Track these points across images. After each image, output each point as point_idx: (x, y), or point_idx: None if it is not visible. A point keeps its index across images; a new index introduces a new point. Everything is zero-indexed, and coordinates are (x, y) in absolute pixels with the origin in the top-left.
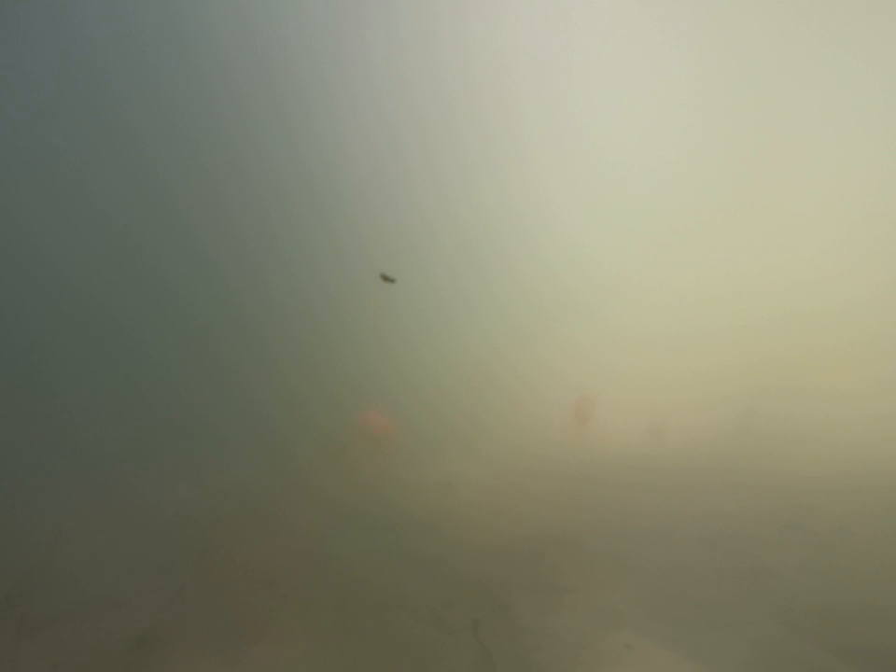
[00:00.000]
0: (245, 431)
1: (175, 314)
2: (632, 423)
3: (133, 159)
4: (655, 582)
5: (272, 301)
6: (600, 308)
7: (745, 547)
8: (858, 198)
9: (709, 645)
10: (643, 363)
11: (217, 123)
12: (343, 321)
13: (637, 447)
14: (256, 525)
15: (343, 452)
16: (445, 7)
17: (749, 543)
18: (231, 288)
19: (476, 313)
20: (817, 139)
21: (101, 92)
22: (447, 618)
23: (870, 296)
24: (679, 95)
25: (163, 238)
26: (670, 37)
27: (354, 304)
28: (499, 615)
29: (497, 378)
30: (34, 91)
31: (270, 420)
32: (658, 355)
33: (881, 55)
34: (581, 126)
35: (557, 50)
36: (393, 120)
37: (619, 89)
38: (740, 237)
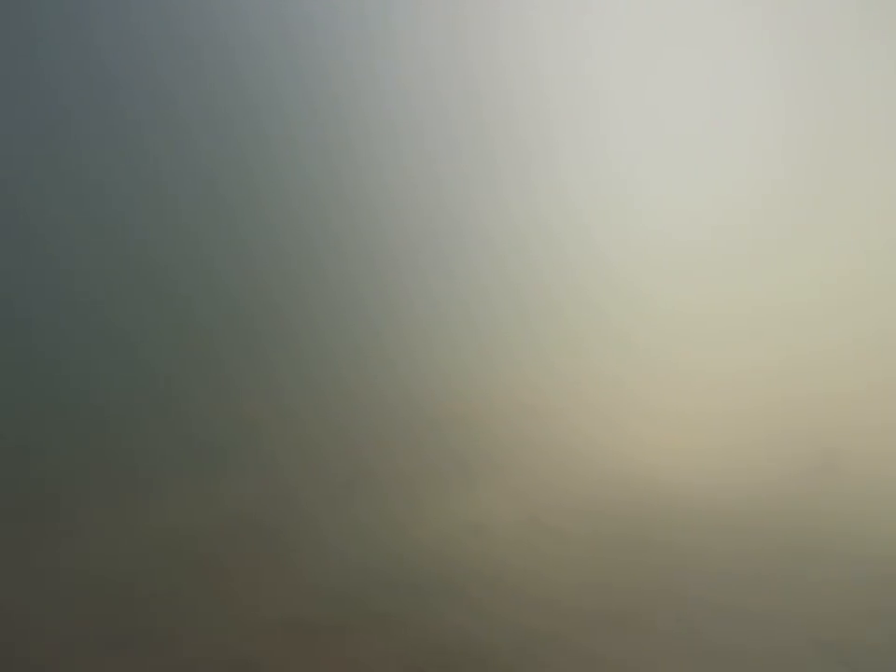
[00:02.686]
0: (243, 452)
1: (180, 328)
2: (685, 463)
3: (139, 162)
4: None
5: (288, 334)
6: (639, 339)
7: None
8: None
9: None
10: (690, 400)
11: (243, 123)
12: (354, 343)
13: (696, 490)
14: (234, 583)
15: (353, 489)
16: (474, 10)
17: (851, 618)
18: (244, 312)
19: (505, 334)
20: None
21: (110, 94)
22: None
23: None
24: (732, 106)
25: (171, 246)
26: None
27: (370, 328)
28: None
29: (527, 406)
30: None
31: (270, 448)
32: (707, 391)
33: None
34: (617, 144)
35: (591, 57)
36: (421, 122)
37: (661, 100)
38: (800, 260)
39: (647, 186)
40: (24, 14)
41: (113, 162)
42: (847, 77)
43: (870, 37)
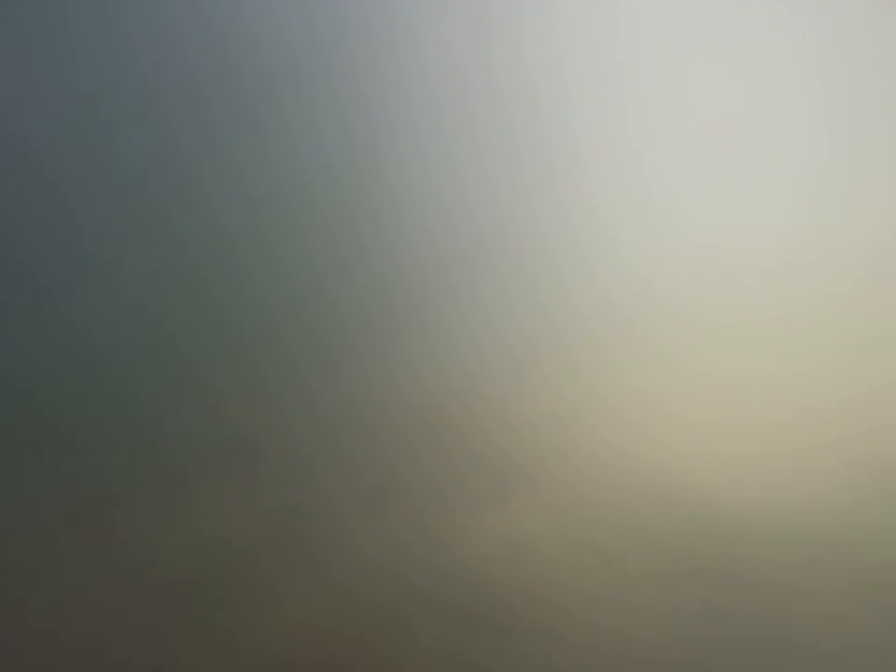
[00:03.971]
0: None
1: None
2: (726, 473)
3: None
4: None
5: (318, 339)
6: (666, 346)
7: None
8: None
9: None
10: (727, 407)
11: (272, 118)
12: (380, 347)
13: (744, 501)
14: (263, 591)
15: (385, 499)
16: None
17: None
18: (274, 316)
19: (533, 344)
20: None
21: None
22: None
23: None
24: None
25: (205, 246)
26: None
27: (396, 332)
28: None
29: (556, 415)
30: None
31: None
32: (747, 400)
33: None
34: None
35: (617, 61)
36: (444, 120)
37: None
38: (836, 264)
39: (675, 190)
40: (58, 7)
41: (150, 161)
42: (882, 78)
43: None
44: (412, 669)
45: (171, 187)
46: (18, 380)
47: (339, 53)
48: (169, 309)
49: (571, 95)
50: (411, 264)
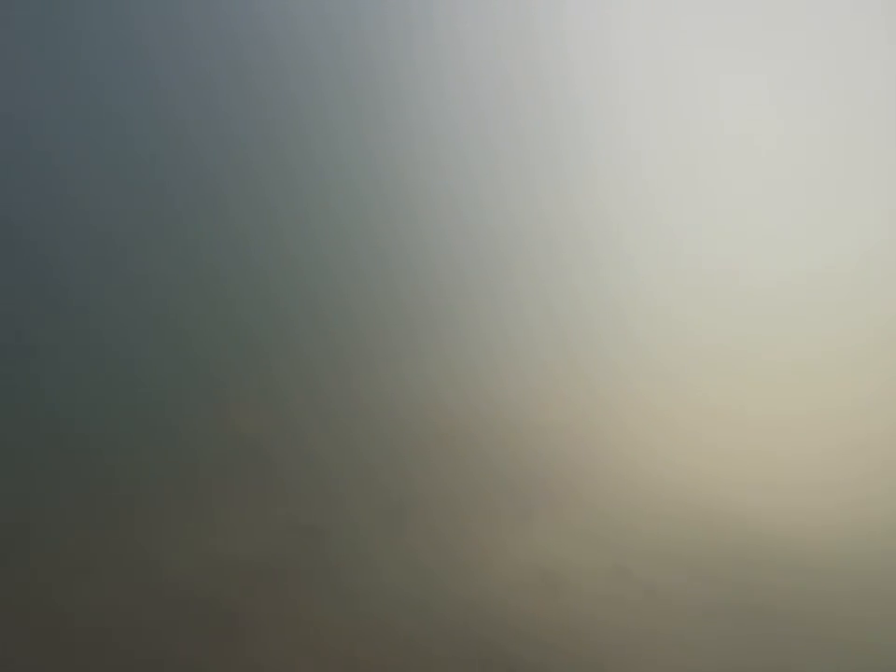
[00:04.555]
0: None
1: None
2: (770, 500)
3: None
4: None
5: (337, 352)
6: (691, 380)
7: None
8: None
9: None
10: (758, 440)
11: (286, 120)
12: (397, 360)
13: (790, 529)
14: (282, 613)
15: (403, 514)
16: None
17: None
18: (296, 331)
19: (543, 358)
20: None
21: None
22: None
23: None
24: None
25: (224, 254)
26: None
27: (412, 345)
28: None
29: (580, 439)
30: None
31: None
32: (782, 432)
33: None
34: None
35: (625, 85)
36: (458, 122)
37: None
38: (860, 300)
39: (700, 221)
40: (76, 10)
41: (166, 162)
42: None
43: (887, 42)
44: None
45: (187, 191)
46: (31, 390)
47: (356, 55)
48: (186, 315)
49: (585, 107)
50: (428, 284)
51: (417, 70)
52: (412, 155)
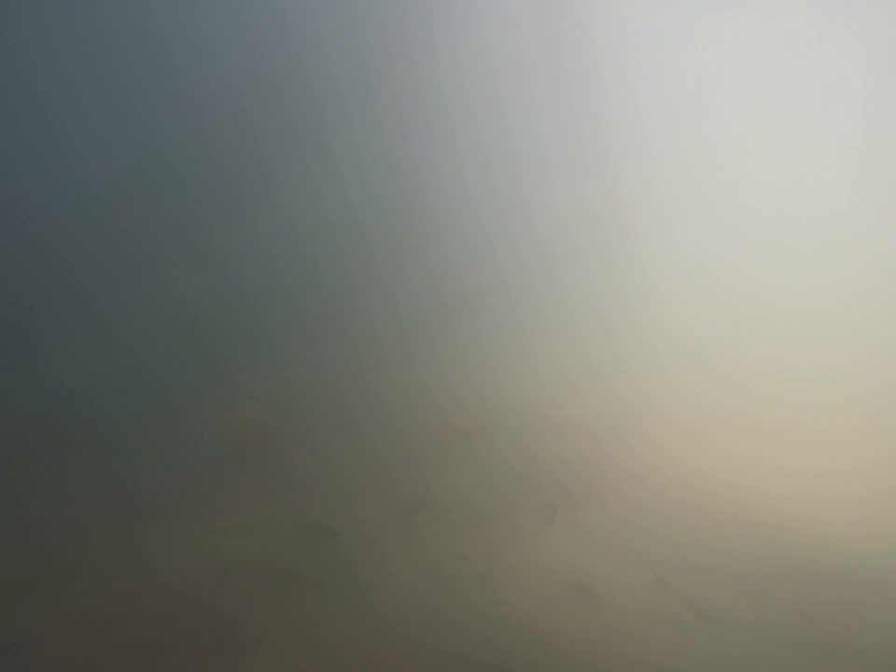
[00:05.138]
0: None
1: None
2: (822, 514)
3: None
4: None
5: (354, 354)
6: (709, 390)
7: None
8: None
9: None
10: (793, 454)
11: (309, 125)
12: (412, 359)
13: (842, 540)
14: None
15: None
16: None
17: None
18: (314, 332)
19: (571, 381)
20: None
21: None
22: None
23: None
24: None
25: (249, 262)
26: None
27: (431, 348)
28: None
29: (601, 442)
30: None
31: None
32: (815, 448)
33: None
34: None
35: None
36: (481, 128)
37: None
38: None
39: (711, 232)
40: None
41: (186, 161)
42: None
43: None
44: None
45: (208, 193)
46: (45, 386)
47: (377, 65)
48: (203, 315)
49: (608, 110)
50: (456, 297)
51: (440, 77)
52: (432, 161)
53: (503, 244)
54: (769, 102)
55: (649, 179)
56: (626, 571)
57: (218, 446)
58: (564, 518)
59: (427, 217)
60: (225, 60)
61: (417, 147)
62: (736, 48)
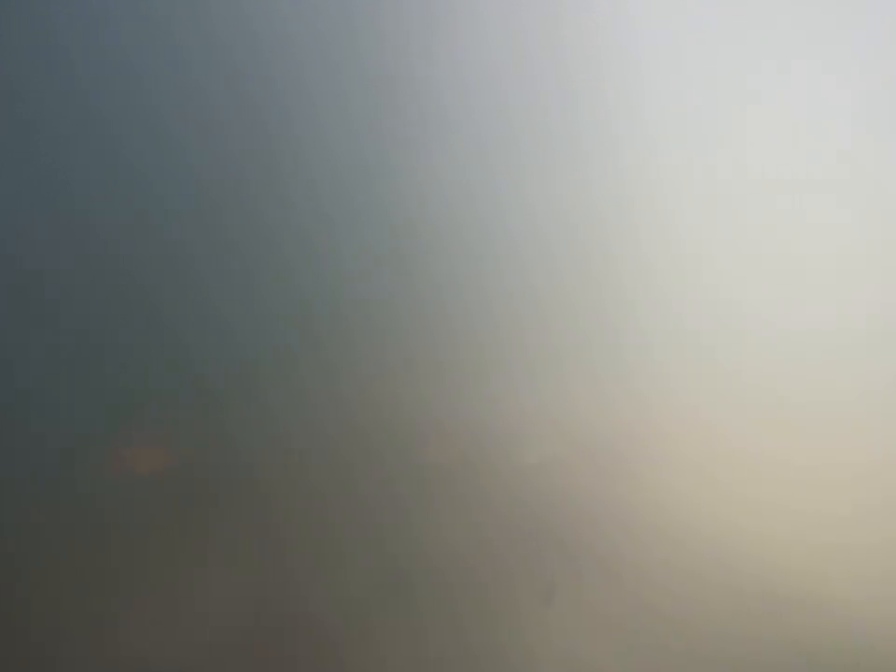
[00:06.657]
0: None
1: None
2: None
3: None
4: None
5: (364, 370)
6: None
7: None
8: None
9: None
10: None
11: (311, 119)
12: (418, 383)
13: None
14: None
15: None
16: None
17: None
18: (326, 348)
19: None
20: None
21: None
22: None
23: None
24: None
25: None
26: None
27: (437, 368)
28: None
29: (606, 475)
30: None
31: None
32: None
33: None
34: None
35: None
36: (482, 126)
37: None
38: None
39: (726, 253)
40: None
41: (153, 166)
42: None
43: None
44: None
45: (180, 202)
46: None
47: (376, 59)
48: (181, 329)
49: (614, 113)
50: (461, 314)
51: (437, 74)
52: (429, 163)
53: (506, 255)
54: (785, 105)
55: (666, 208)
56: (629, 660)
57: (198, 477)
58: (565, 591)
59: (426, 226)
60: (233, 58)
61: (416, 148)
62: (747, 47)
